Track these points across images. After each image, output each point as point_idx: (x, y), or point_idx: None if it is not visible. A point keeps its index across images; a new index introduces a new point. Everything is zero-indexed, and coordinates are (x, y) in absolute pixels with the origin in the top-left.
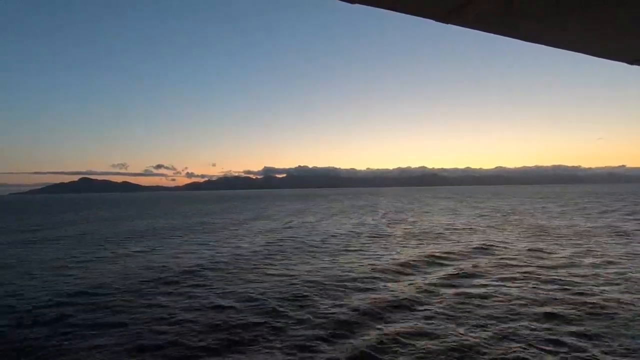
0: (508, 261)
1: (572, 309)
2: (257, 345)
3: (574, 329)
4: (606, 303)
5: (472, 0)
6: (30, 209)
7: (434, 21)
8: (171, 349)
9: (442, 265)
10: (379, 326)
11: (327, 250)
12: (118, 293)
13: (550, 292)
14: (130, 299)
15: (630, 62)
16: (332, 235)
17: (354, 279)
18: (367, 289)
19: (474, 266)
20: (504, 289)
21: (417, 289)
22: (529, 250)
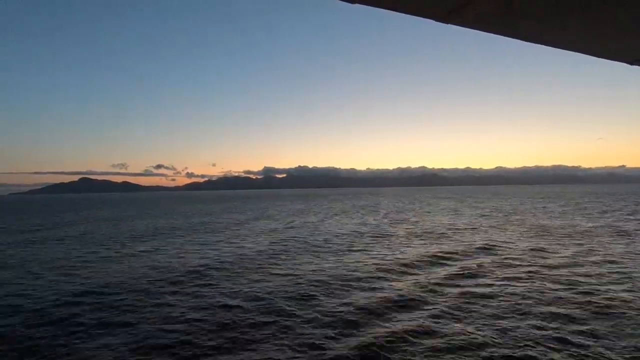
0: (512, 261)
1: (577, 308)
2: (267, 344)
3: (580, 327)
4: (611, 302)
5: (472, 0)
6: (31, 209)
7: (434, 21)
8: (181, 348)
9: (446, 264)
10: (386, 324)
11: (331, 250)
12: (125, 292)
13: (555, 291)
14: (138, 298)
15: (631, 63)
16: (335, 235)
17: (359, 279)
18: (373, 288)
19: (478, 265)
20: (509, 289)
21: (422, 288)
22: (531, 249)
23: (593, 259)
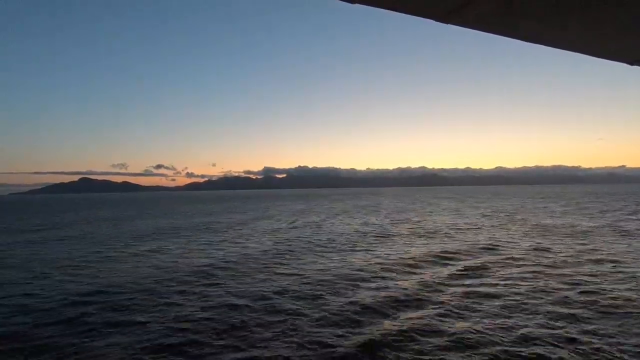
0: (516, 260)
1: (583, 306)
2: (277, 341)
3: (586, 327)
4: (617, 302)
5: (472, 0)
6: (31, 209)
7: (434, 21)
8: (193, 347)
9: (451, 263)
10: (394, 322)
11: (335, 250)
12: (133, 292)
13: (560, 290)
14: (145, 297)
15: (631, 63)
16: (339, 235)
17: (365, 278)
18: (379, 287)
19: (484, 265)
20: (514, 288)
21: (427, 286)
22: (535, 249)
23: (597, 258)
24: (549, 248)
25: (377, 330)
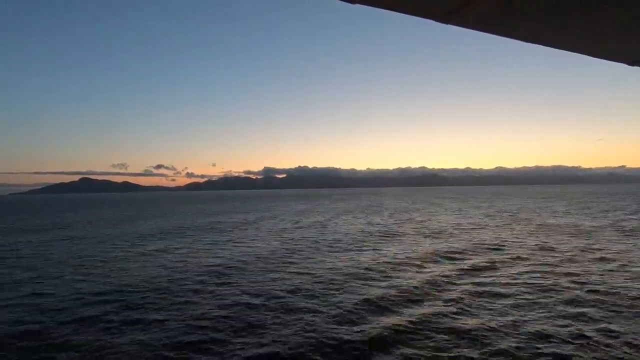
0: (523, 259)
1: (593, 305)
2: (296, 337)
3: (597, 325)
4: (627, 301)
5: (472, 0)
6: (31, 209)
7: (434, 21)
8: (213, 344)
9: (459, 263)
10: (406, 319)
11: (343, 249)
12: (146, 291)
13: (569, 289)
14: (160, 296)
15: (631, 63)
16: (344, 235)
17: (374, 277)
18: (390, 286)
19: (491, 264)
20: (523, 287)
21: (437, 285)
22: (541, 248)
23: (602, 256)
24: (554, 247)
25: (391, 326)
